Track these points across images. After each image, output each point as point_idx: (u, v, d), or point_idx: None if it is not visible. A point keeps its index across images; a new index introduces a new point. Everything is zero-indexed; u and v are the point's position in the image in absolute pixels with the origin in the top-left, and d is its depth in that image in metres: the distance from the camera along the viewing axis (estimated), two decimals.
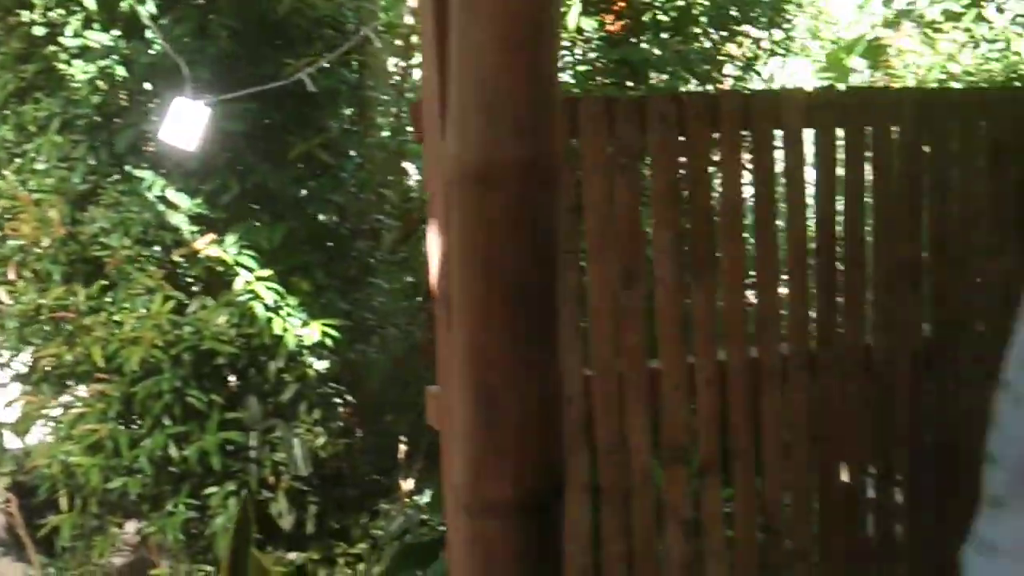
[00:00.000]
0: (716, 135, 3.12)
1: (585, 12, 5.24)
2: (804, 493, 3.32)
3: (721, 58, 5.62)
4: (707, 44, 5.69)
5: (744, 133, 3.14)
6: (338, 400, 5.13)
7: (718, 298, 3.17)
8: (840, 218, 3.22)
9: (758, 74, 5.84)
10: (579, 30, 5.25)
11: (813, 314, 3.25)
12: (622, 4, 5.43)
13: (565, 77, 5.32)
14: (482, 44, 2.12)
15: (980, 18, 6.20)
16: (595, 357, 3.09)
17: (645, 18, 5.32)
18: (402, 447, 5.45)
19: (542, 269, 2.24)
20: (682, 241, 3.12)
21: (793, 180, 3.21)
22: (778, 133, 3.16)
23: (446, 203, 2.30)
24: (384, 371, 5.43)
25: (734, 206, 3.15)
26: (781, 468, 3.27)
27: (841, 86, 6.41)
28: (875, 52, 6.63)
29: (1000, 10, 6.19)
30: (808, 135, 3.22)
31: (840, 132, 3.19)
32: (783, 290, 3.27)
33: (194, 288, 4.69)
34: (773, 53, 5.72)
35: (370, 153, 4.97)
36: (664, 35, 5.36)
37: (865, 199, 3.26)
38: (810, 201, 3.26)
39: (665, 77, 5.23)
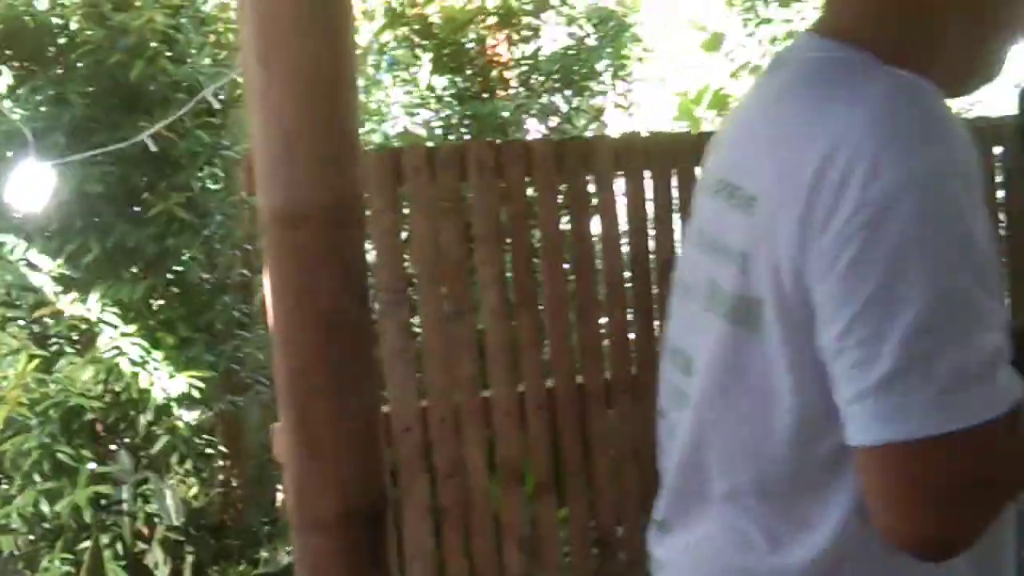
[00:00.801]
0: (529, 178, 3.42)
1: (436, 71, 5.55)
2: (634, 508, 3.58)
3: (571, 111, 5.96)
4: (556, 98, 6.05)
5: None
6: (211, 451, 5.28)
7: (543, 329, 3.44)
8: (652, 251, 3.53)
9: (606, 127, 6.20)
10: (431, 88, 5.55)
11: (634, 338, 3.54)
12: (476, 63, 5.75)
13: (421, 132, 5.61)
14: (282, 99, 2.40)
15: None
16: (430, 387, 3.33)
17: (493, 75, 5.65)
18: (280, 495, 5.60)
19: (353, 299, 2.50)
20: (506, 276, 3.39)
21: (606, 218, 3.51)
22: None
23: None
24: (258, 421, 5.59)
25: (553, 243, 3.43)
26: (611, 485, 3.54)
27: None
28: (721, 101, 7.04)
29: None
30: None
31: (647, 174, 3.51)
32: (603, 319, 3.56)
33: (60, 347, 4.82)
34: (618, 106, 6.08)
35: (234, 210, 5.16)
36: (512, 91, 5.70)
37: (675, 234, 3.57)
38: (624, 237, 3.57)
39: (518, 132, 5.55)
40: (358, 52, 5.26)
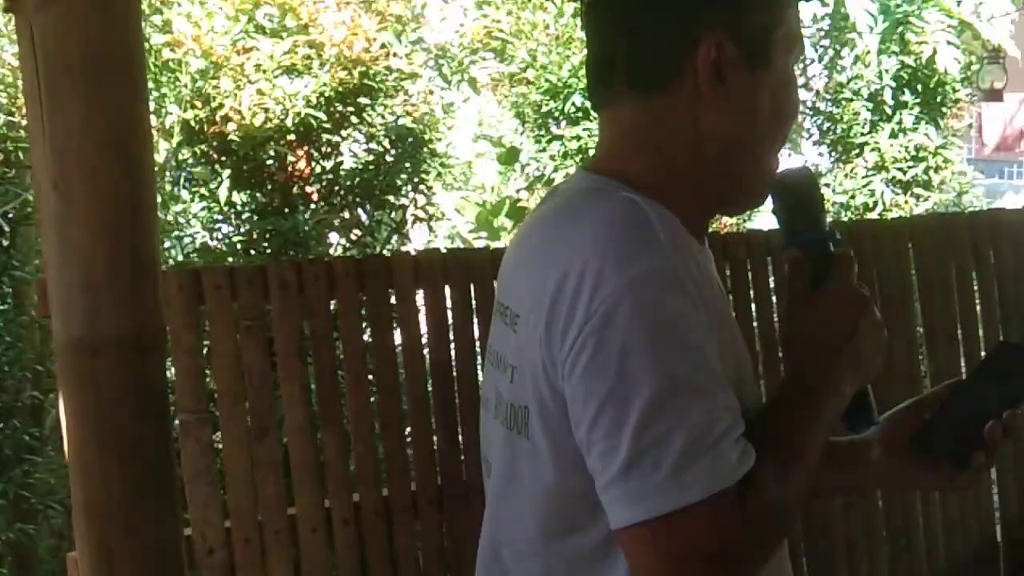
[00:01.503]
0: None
1: (236, 187, 5.57)
2: None
3: (372, 224, 6.07)
4: (358, 212, 6.15)
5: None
6: None
7: (349, 442, 3.47)
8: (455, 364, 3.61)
9: (408, 239, 6.32)
10: (230, 203, 5.56)
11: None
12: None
13: (221, 247, 5.59)
14: (80, 227, 2.39)
15: None
16: (233, 509, 3.29)
17: (295, 190, 5.71)
18: None
19: (153, 427, 2.49)
20: (311, 393, 3.41)
21: (407, 331, 3.59)
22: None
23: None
24: (49, 550, 5.35)
25: (356, 357, 3.48)
26: None
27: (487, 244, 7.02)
28: (517, 212, 7.31)
29: None
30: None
31: (447, 288, 3.61)
32: (407, 430, 3.61)
33: None
34: (418, 219, 6.22)
35: (24, 330, 5.00)
36: (314, 206, 5.76)
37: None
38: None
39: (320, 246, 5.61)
40: (155, 169, 5.23)
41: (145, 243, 2.52)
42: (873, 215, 8.31)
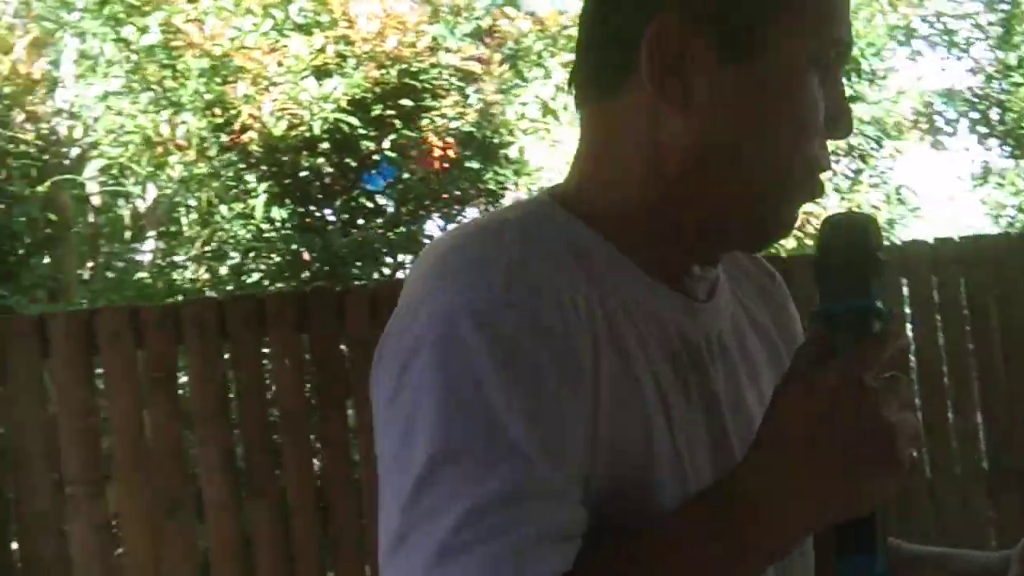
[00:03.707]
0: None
1: (278, 202, 5.05)
2: None
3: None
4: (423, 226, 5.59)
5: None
6: None
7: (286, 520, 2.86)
8: None
9: None
10: (269, 219, 5.05)
11: None
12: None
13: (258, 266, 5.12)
14: None
15: None
16: None
17: (339, 204, 5.17)
18: None
19: None
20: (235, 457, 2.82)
21: None
22: None
23: None
24: None
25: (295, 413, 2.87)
26: None
27: None
28: None
29: None
30: None
31: None
32: None
33: None
34: None
35: None
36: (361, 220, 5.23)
37: None
38: None
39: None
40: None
41: None
42: None
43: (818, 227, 0.98)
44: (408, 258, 5.42)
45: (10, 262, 4.92)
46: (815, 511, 0.90)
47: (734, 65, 0.97)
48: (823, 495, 0.90)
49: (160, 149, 4.68)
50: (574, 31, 5.11)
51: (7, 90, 4.59)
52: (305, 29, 4.93)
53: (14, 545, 2.74)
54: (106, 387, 2.76)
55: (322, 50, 4.73)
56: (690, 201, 1.00)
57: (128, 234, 6.37)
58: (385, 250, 5.40)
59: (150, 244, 6.30)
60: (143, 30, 4.46)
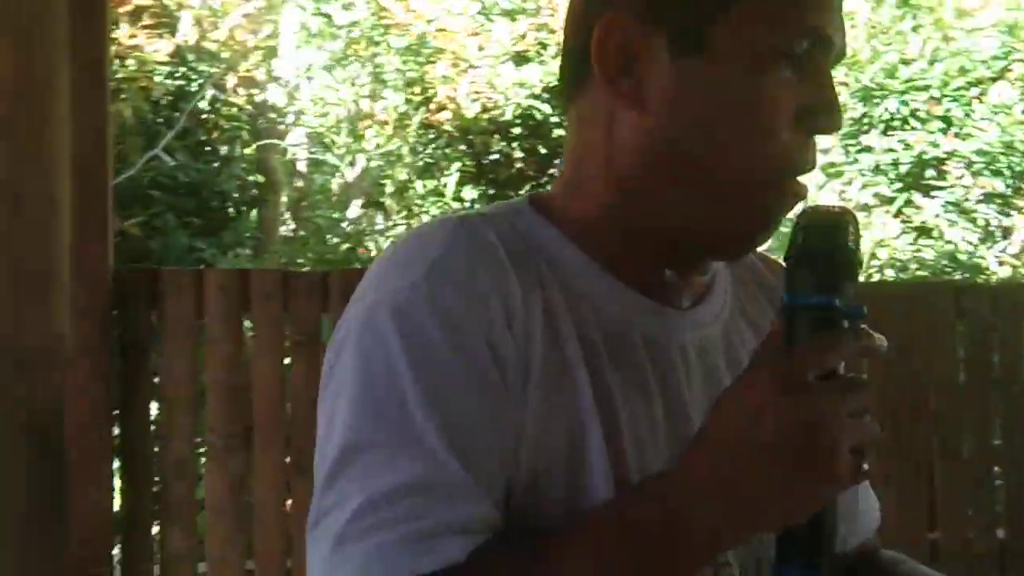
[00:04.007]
0: None
1: (469, 182, 5.15)
2: None
3: None
4: None
5: None
6: None
7: None
8: None
9: None
10: (459, 198, 5.15)
11: None
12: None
13: None
14: None
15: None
16: (258, 552, 2.85)
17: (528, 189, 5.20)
18: None
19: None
20: None
21: None
22: None
23: None
24: None
25: None
26: None
27: None
28: None
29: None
30: None
31: None
32: None
33: None
34: None
35: None
36: None
37: None
38: None
39: None
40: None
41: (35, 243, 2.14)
42: None
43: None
44: None
45: (216, 219, 5.18)
46: (741, 515, 0.84)
47: (686, 61, 0.93)
48: (750, 499, 0.83)
49: (361, 123, 4.85)
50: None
51: (224, 55, 4.84)
52: (511, 15, 4.98)
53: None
54: (253, 346, 2.87)
55: (523, 36, 4.77)
56: (646, 203, 0.96)
57: (333, 200, 6.65)
58: None
59: (353, 212, 6.56)
60: (347, 7, 4.63)
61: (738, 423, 0.83)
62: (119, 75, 4.69)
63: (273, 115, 5.17)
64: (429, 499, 0.85)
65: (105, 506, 2.75)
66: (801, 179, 0.96)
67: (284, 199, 5.97)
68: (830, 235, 0.88)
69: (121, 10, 4.67)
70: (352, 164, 6.09)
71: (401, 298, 0.89)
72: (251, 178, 5.26)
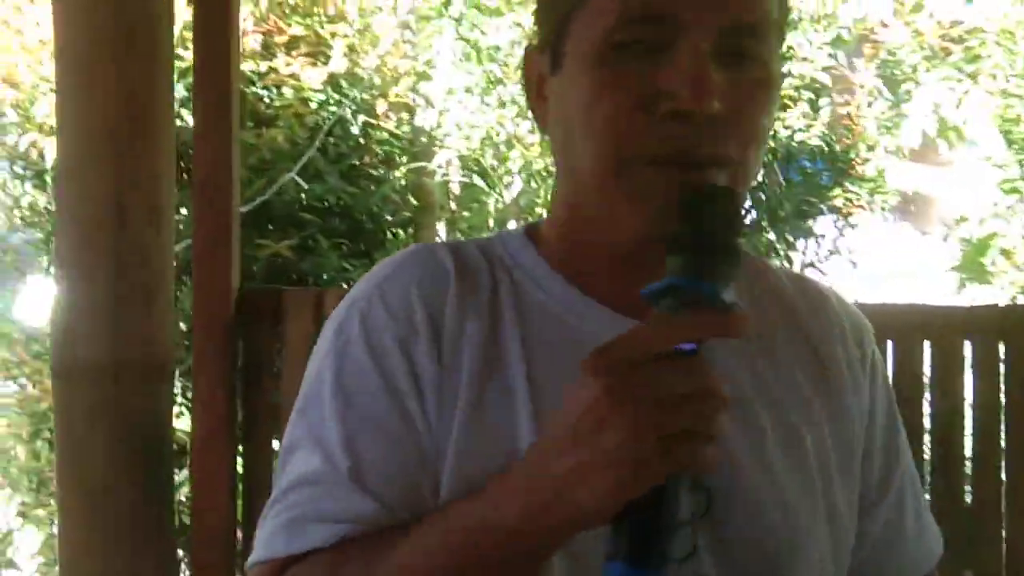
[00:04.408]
0: None
1: None
2: None
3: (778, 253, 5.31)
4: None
5: None
6: None
7: None
8: None
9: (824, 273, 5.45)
10: None
11: None
12: None
13: None
14: (68, 236, 2.10)
15: None
16: None
17: None
18: None
19: (134, 465, 2.14)
20: None
21: None
22: None
23: None
24: None
25: None
26: None
27: None
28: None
29: None
30: None
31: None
32: None
33: None
34: (834, 253, 5.32)
35: None
36: None
37: None
38: None
39: None
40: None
41: (142, 256, 2.22)
42: None
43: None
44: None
45: (369, 241, 5.31)
46: (542, 505, 0.82)
47: (555, 76, 1.00)
48: (548, 487, 0.82)
49: (504, 146, 4.88)
50: (956, 43, 4.73)
51: (376, 80, 4.97)
52: None
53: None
54: None
55: None
56: (577, 217, 1.03)
57: (491, 222, 6.71)
58: None
59: None
60: (483, 32, 4.68)
61: (567, 408, 0.81)
62: (276, 103, 4.89)
63: (424, 139, 5.27)
64: (315, 491, 0.97)
65: (227, 523, 2.84)
66: (688, 163, 0.94)
67: (439, 222, 6.07)
68: (686, 216, 0.86)
69: (278, 40, 4.86)
70: (508, 186, 6.14)
71: (343, 313, 1.03)
72: (404, 200, 5.37)
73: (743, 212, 0.91)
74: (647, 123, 0.93)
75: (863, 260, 5.51)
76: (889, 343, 2.93)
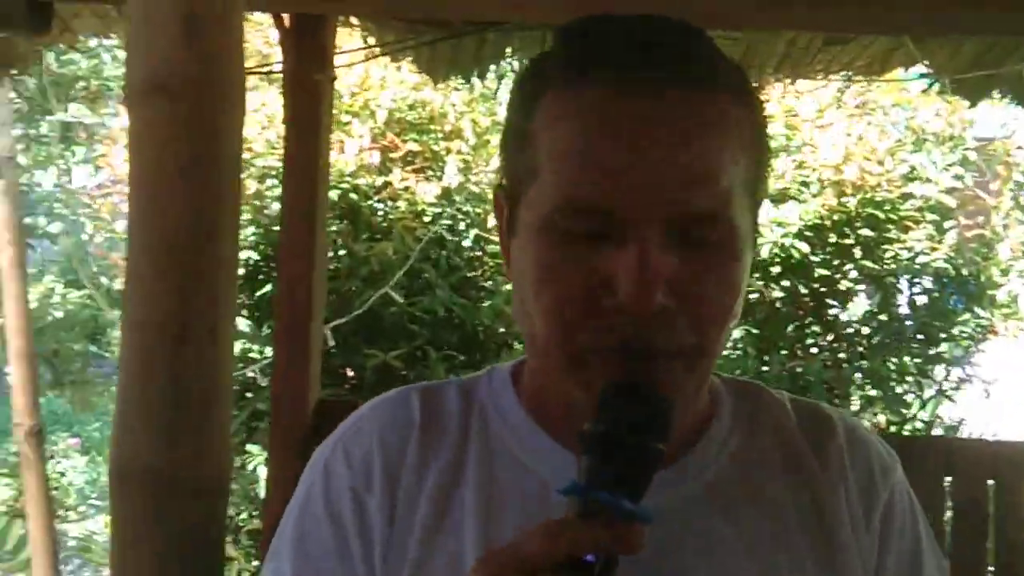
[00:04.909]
0: None
1: None
2: None
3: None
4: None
5: None
6: None
7: None
8: None
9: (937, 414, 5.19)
10: None
11: None
12: None
13: None
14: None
15: None
16: None
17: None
18: None
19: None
20: None
21: None
22: None
23: None
24: None
25: None
26: None
27: None
28: None
29: None
30: None
31: None
32: None
33: None
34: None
35: None
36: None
37: None
38: None
39: None
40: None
41: (197, 371, 2.23)
42: None
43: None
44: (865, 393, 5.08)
45: (479, 352, 5.31)
46: None
47: (512, 239, 1.00)
48: None
49: None
50: None
51: (490, 195, 5.03)
52: (774, 153, 4.87)
53: None
54: None
55: (781, 176, 4.63)
56: (533, 367, 1.05)
57: None
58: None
59: None
60: None
61: None
62: (390, 215, 4.99)
63: None
64: None
65: None
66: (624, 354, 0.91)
67: None
68: (601, 414, 0.82)
69: (393, 156, 4.98)
70: None
71: (318, 453, 1.12)
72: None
73: (669, 413, 0.85)
74: (595, 313, 0.90)
75: (996, 389, 5.25)
76: None
